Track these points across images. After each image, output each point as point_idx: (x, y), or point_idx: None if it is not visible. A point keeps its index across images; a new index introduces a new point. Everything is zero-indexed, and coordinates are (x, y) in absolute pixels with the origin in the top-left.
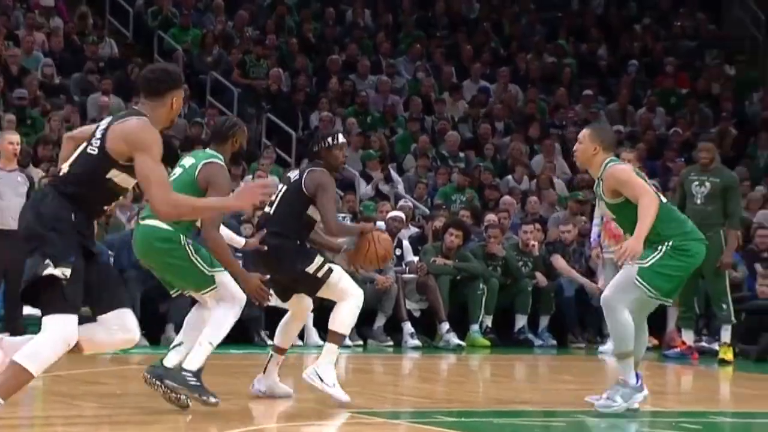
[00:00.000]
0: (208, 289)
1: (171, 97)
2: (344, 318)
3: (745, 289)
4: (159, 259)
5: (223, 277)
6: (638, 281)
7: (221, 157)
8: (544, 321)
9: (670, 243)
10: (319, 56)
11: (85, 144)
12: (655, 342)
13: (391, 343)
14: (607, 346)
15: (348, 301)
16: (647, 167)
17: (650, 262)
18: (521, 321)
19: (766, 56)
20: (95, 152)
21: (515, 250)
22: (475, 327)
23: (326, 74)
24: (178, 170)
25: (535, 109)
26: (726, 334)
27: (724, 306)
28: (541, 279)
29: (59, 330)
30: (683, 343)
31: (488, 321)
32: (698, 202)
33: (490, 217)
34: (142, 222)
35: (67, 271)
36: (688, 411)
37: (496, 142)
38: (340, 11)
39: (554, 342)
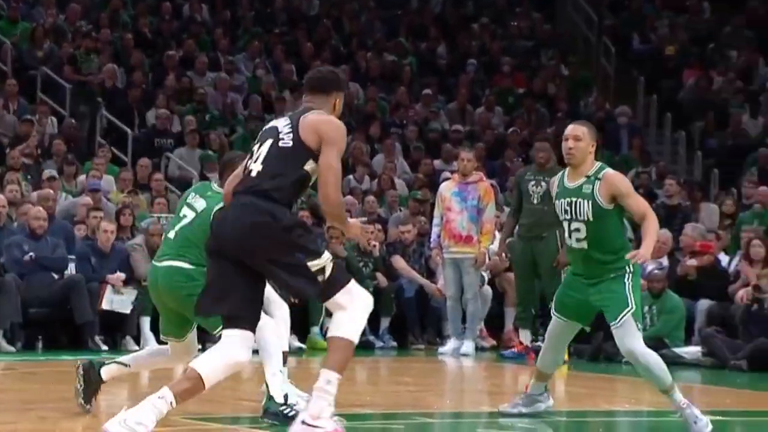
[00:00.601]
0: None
1: (335, 97)
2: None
3: None
4: (183, 295)
5: None
6: (636, 322)
7: None
8: (384, 322)
9: (630, 268)
10: (155, 52)
11: (271, 141)
12: (493, 342)
13: None
14: (447, 347)
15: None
16: (487, 167)
17: (634, 301)
18: None
19: (598, 57)
20: (290, 144)
21: (356, 251)
22: (316, 329)
23: (163, 71)
24: (188, 213)
25: (375, 107)
26: None
27: None
28: (381, 280)
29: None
30: (520, 343)
31: (329, 322)
32: (535, 201)
33: None
34: (162, 263)
35: (327, 257)
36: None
37: None
38: (177, 6)
39: (395, 344)
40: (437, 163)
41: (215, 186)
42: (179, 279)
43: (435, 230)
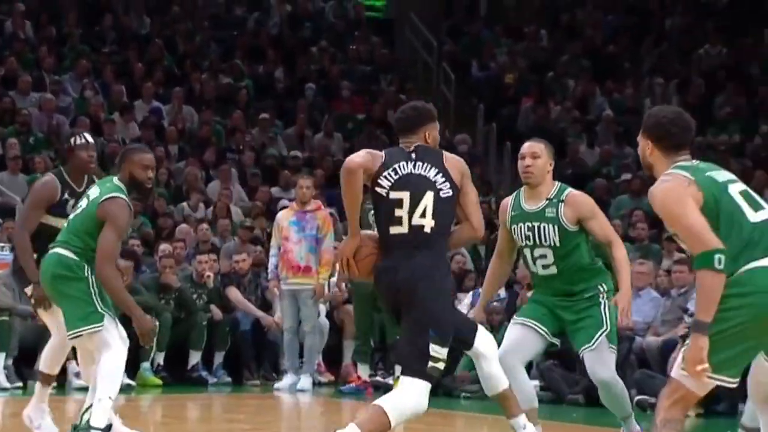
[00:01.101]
0: (93, 326)
1: (424, 131)
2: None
3: None
4: (58, 287)
5: (109, 321)
6: (611, 347)
7: (124, 189)
8: (219, 357)
9: (604, 287)
10: None
11: (432, 194)
12: (331, 377)
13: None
14: (283, 383)
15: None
16: (325, 195)
17: (609, 322)
18: (195, 357)
19: (438, 83)
20: (451, 193)
21: (189, 282)
22: (146, 365)
23: None
24: (83, 202)
25: (210, 132)
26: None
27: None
28: (216, 312)
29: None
30: (359, 377)
31: (160, 358)
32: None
33: (164, 246)
34: (51, 250)
35: None
36: None
37: (170, 166)
38: None
39: (229, 379)
40: (275, 190)
41: (116, 180)
42: (59, 268)
43: (272, 260)
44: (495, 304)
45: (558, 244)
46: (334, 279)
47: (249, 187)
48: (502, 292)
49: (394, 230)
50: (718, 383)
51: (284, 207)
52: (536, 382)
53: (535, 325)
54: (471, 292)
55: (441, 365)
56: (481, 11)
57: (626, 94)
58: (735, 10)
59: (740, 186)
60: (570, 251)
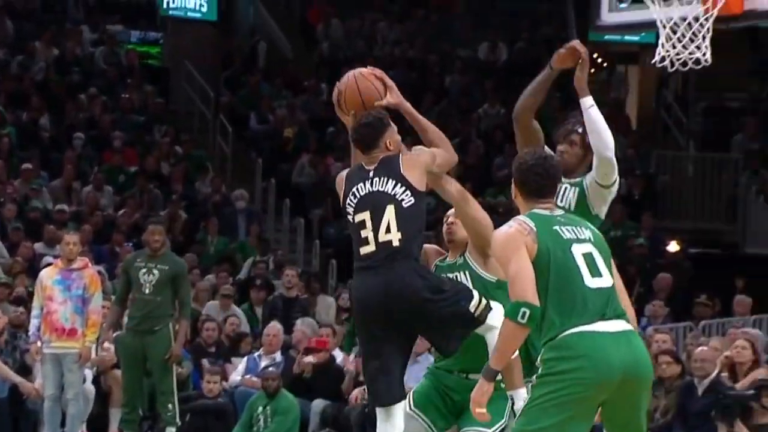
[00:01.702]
0: None
1: (383, 142)
2: None
3: (191, 387)
4: None
5: None
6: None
7: None
8: None
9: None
10: None
11: (392, 205)
12: None
13: None
14: None
15: None
16: (94, 251)
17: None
18: None
19: (215, 136)
20: (413, 200)
21: None
22: None
23: None
24: None
25: None
26: None
27: (170, 406)
28: None
29: None
30: None
31: None
32: (146, 291)
33: None
34: None
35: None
36: None
37: None
38: None
39: None
40: (38, 246)
41: None
42: None
43: (34, 322)
44: (271, 369)
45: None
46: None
47: (10, 242)
48: (278, 356)
49: (363, 251)
50: None
51: (48, 264)
52: None
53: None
54: (246, 357)
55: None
56: (260, 62)
57: None
58: (513, 70)
59: (587, 248)
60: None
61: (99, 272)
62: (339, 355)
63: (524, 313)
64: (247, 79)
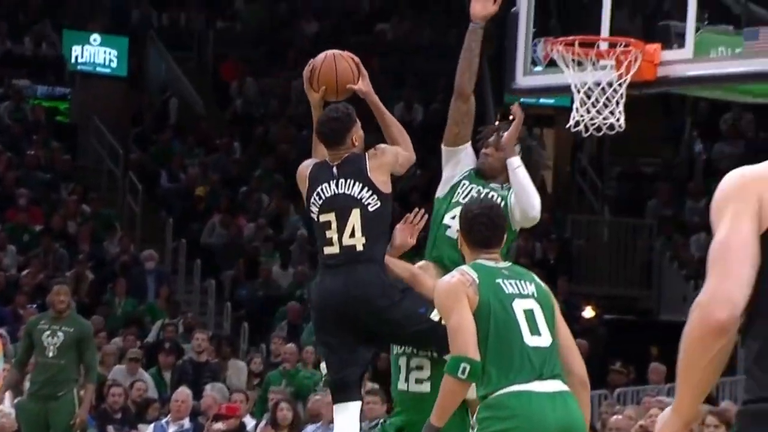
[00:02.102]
0: None
1: (350, 138)
2: None
3: None
4: None
5: None
6: None
7: None
8: None
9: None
10: None
11: (357, 208)
12: None
13: None
14: None
15: None
16: None
17: None
18: None
19: (124, 194)
20: (379, 204)
21: None
22: None
23: None
24: None
25: None
26: None
27: None
28: None
29: None
30: None
31: None
32: (50, 354)
33: None
34: None
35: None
36: None
37: None
38: None
39: None
40: None
41: None
42: None
43: None
44: None
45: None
46: (5, 407)
47: None
48: (187, 422)
49: (327, 251)
50: None
51: None
52: None
53: None
54: (153, 424)
55: None
56: (172, 119)
57: None
58: (429, 131)
59: (529, 304)
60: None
61: (0, 335)
62: (250, 422)
63: (464, 368)
64: (158, 136)
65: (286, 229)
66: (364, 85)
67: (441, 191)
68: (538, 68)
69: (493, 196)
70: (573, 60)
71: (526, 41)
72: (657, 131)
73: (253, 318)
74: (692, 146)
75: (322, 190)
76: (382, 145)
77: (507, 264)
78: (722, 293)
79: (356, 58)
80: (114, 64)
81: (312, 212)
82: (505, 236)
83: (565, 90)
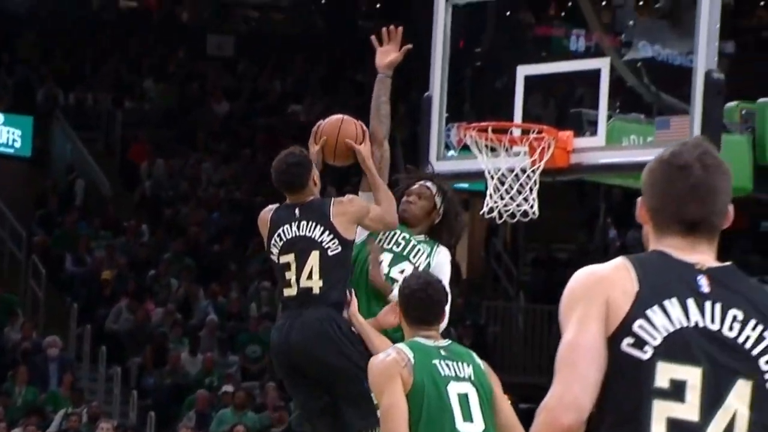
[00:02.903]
0: None
1: (310, 181)
2: None
3: None
4: None
5: None
6: None
7: None
8: None
9: None
10: None
11: (317, 251)
12: None
13: None
14: None
15: None
16: None
17: None
18: None
19: (27, 278)
20: (339, 250)
21: None
22: None
23: None
24: None
25: None
26: None
27: None
28: None
29: None
30: None
31: None
32: None
33: None
34: None
35: None
36: None
37: None
38: None
39: None
40: None
41: None
42: None
43: None
44: None
45: None
46: None
47: None
48: None
49: (286, 293)
50: None
51: None
52: None
53: None
54: None
55: None
56: (78, 201)
57: (231, 298)
58: None
59: (464, 388)
60: None
61: None
62: None
63: None
64: (63, 218)
65: (196, 314)
66: (365, 149)
67: (359, 237)
68: (452, 153)
69: (419, 250)
70: (486, 146)
71: (439, 126)
72: (571, 217)
73: (161, 407)
74: (606, 232)
75: (283, 231)
76: (354, 196)
77: (446, 342)
78: (568, 398)
79: (364, 126)
80: (18, 144)
81: (272, 254)
82: (447, 311)
83: (479, 176)
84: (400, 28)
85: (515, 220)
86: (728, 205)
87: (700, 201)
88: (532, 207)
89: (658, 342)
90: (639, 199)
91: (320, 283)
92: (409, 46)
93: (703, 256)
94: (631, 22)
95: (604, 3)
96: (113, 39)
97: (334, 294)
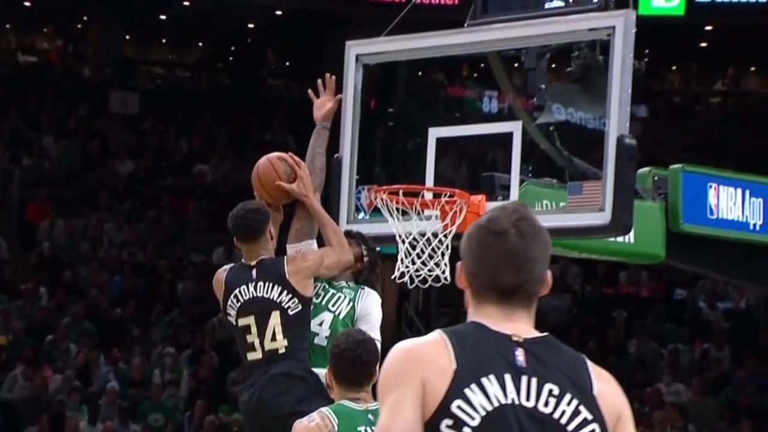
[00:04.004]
0: None
1: (266, 232)
2: None
3: None
4: None
5: None
6: None
7: None
8: None
9: None
10: None
11: (277, 311)
12: None
13: None
14: None
15: None
16: None
17: None
18: None
19: None
20: (300, 308)
21: None
22: None
23: None
24: None
25: None
26: None
27: None
28: None
29: None
30: None
31: None
32: None
33: None
34: None
35: None
36: None
37: None
38: None
39: None
40: None
41: None
42: None
43: None
44: None
45: None
46: None
47: None
48: None
49: (250, 356)
50: None
51: None
52: None
53: None
54: None
55: None
56: None
57: (134, 365)
58: None
59: None
60: None
61: None
62: None
63: None
64: None
65: (96, 381)
66: (297, 186)
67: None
68: (363, 216)
69: (339, 297)
70: (397, 209)
71: (349, 188)
72: None
73: None
74: None
75: (240, 292)
76: (306, 250)
77: (375, 405)
78: None
79: (296, 159)
80: None
81: (230, 315)
82: (376, 373)
83: (390, 239)
84: (333, 77)
85: (427, 285)
86: (545, 273)
87: (516, 269)
88: (444, 272)
89: (476, 423)
90: (458, 264)
91: (284, 342)
92: (341, 95)
93: (521, 324)
94: (543, 86)
95: (516, 65)
96: (11, 94)
97: (300, 349)
